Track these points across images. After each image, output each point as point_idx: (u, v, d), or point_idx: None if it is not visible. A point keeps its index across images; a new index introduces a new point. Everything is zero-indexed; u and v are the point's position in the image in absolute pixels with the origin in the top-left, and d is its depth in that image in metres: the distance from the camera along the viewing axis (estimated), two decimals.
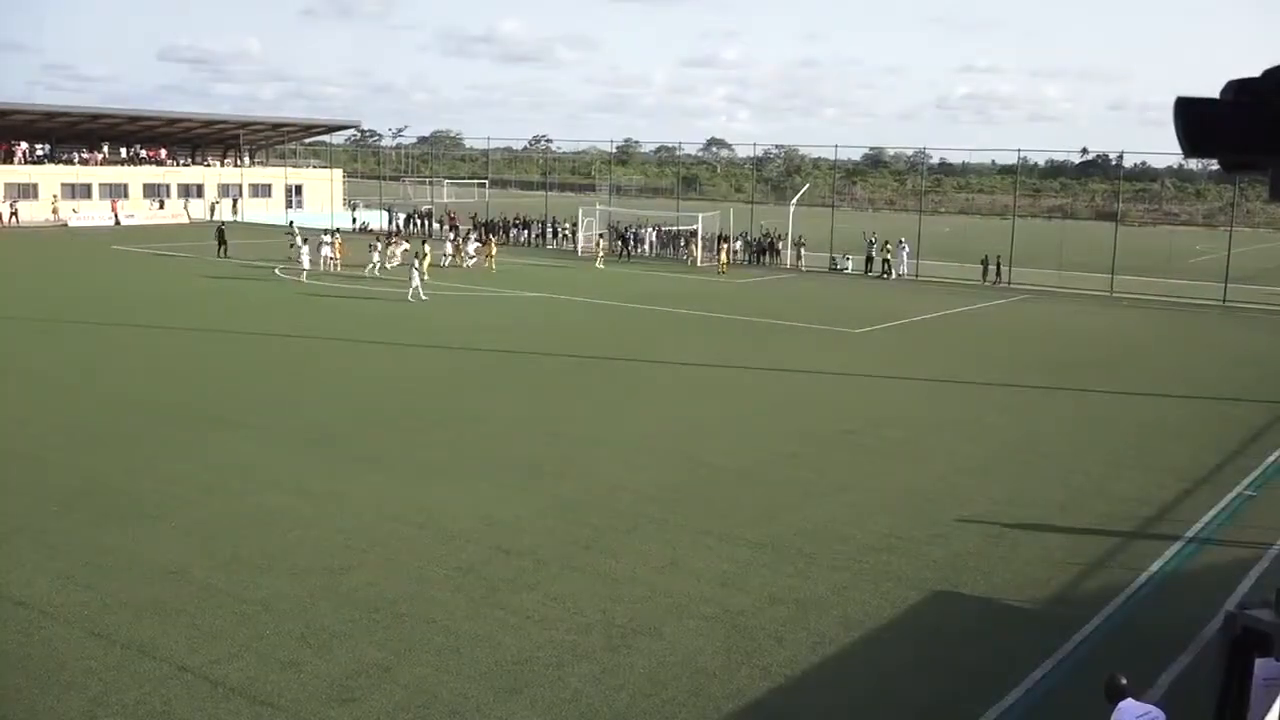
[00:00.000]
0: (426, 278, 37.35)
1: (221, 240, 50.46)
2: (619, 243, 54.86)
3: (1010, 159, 71.34)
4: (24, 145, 73.06)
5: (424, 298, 35.70)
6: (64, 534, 13.96)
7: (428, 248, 44.98)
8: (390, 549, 13.66)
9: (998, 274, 46.76)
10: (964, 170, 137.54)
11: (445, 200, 76.02)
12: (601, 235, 54.08)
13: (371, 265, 43.29)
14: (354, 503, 15.44)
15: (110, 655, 10.76)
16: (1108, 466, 18.56)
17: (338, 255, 44.83)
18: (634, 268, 49.75)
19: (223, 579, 12.61)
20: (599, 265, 49.58)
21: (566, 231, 58.77)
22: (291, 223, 55.07)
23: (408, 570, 12.99)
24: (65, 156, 74.77)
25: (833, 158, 62.07)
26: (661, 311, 36.07)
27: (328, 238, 44.66)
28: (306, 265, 42.08)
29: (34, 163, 73.01)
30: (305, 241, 43.87)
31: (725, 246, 50.55)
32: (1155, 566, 13.89)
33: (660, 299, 38.85)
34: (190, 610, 11.76)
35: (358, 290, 39.11)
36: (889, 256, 49.44)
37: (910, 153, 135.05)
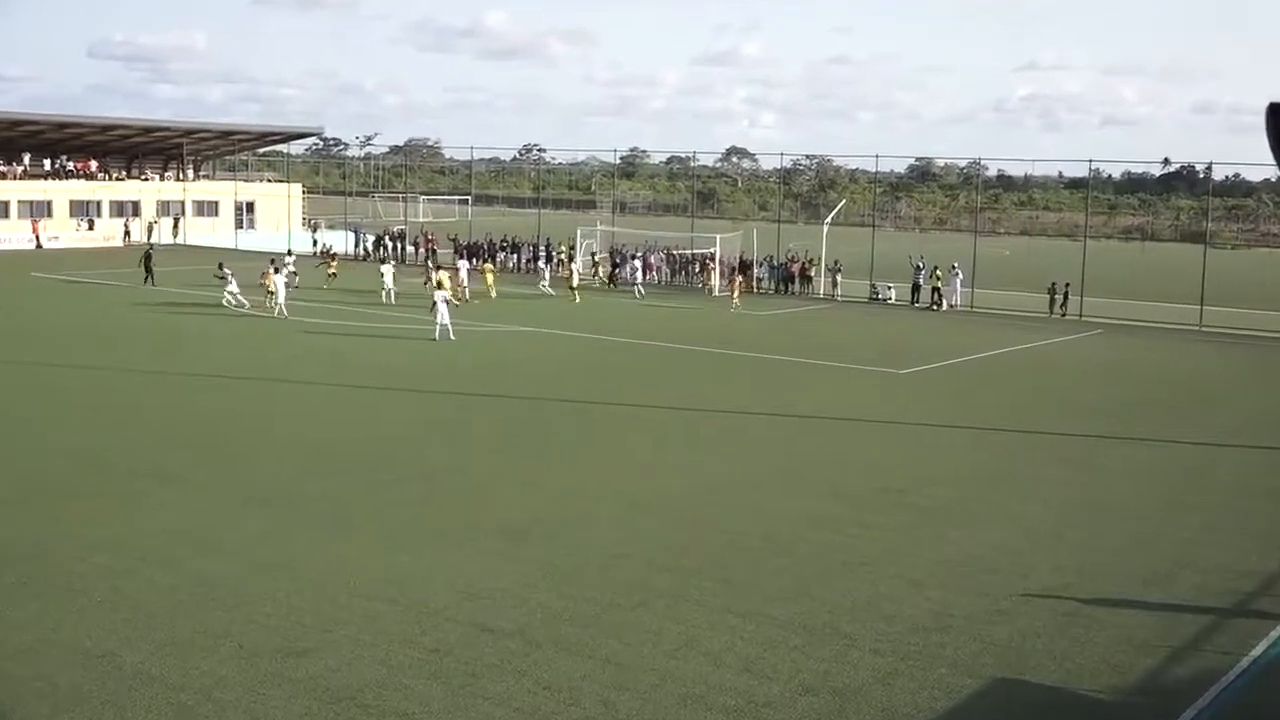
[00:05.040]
0: (456, 304, 38.42)
1: (148, 268, 49.83)
2: (611, 268, 55.12)
3: (1080, 170, 71.76)
4: None
5: (451, 337, 36.09)
6: None
7: (463, 273, 46.08)
8: (354, 628, 13.63)
9: (1065, 304, 46.88)
10: (1026, 184, 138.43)
11: (421, 219, 76.52)
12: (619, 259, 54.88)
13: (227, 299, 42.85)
14: (311, 572, 15.42)
15: None
16: (1196, 530, 18.49)
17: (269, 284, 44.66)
18: (625, 298, 49.85)
19: (157, 664, 12.58)
20: (573, 295, 48.61)
21: (562, 256, 59.08)
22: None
23: (374, 653, 12.95)
24: None
25: (873, 169, 62.58)
26: (673, 349, 36.17)
27: (292, 262, 44.85)
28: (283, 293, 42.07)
29: None
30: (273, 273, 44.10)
31: (738, 277, 49.76)
32: (1259, 649, 13.80)
33: (672, 335, 38.98)
34: (119, 701, 11.72)
35: (311, 325, 39.26)
36: (939, 284, 49.59)
37: (963, 164, 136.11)
